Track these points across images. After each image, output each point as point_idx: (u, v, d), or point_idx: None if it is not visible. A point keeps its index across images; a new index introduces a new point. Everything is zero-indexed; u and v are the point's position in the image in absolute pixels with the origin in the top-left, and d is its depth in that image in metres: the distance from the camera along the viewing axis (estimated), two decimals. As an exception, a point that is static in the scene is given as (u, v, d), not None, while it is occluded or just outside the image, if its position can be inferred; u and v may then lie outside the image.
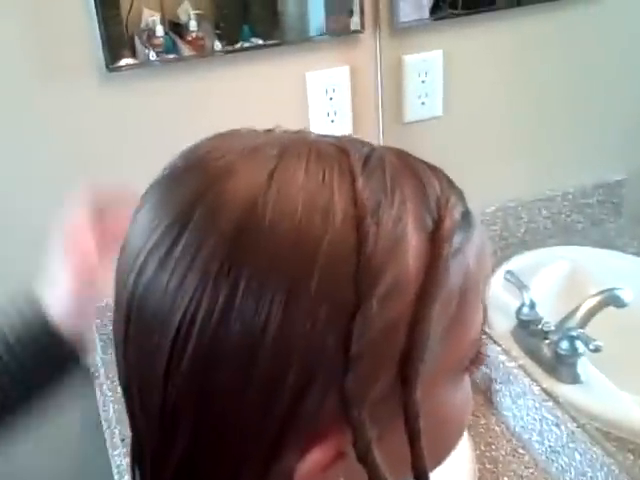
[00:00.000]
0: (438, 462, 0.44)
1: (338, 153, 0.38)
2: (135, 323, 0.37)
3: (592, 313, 1.12)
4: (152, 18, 1.14)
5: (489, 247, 0.40)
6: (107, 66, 1.11)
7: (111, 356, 1.28)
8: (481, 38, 1.27)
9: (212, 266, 0.35)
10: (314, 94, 1.23)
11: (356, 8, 1.19)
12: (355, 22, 1.21)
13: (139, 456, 0.41)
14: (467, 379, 0.43)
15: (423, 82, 1.27)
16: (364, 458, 0.36)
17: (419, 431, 0.37)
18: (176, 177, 0.39)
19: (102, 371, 1.26)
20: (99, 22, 1.09)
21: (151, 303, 0.36)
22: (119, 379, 0.41)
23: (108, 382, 1.23)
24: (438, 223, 0.37)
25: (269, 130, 0.42)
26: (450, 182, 0.40)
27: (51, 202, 1.17)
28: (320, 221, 0.35)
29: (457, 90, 1.30)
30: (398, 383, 0.37)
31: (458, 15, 1.25)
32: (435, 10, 1.24)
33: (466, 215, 0.39)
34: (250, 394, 0.35)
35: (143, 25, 1.13)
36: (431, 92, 1.29)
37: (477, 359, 0.42)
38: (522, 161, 1.37)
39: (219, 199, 0.36)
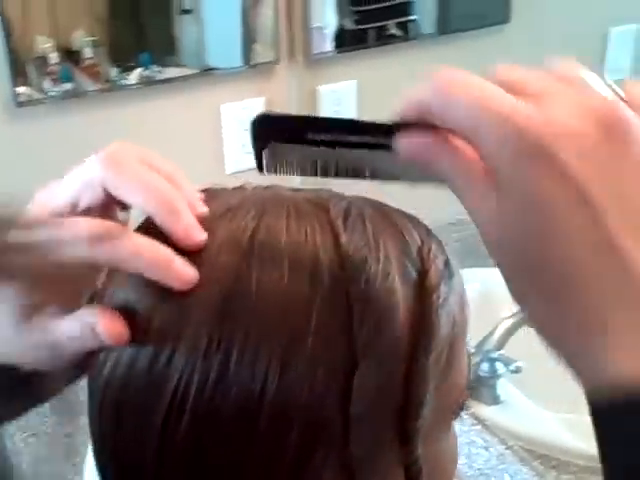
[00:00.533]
0: None
1: (316, 209, 0.38)
2: (118, 413, 0.36)
3: (509, 334, 1.16)
4: (45, 45, 1.09)
5: (465, 292, 0.41)
6: (14, 100, 1.06)
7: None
8: (394, 67, 1.29)
9: (200, 342, 0.33)
10: (229, 126, 1.22)
11: (270, 39, 1.19)
12: (270, 54, 1.21)
13: None
14: (452, 423, 0.43)
15: (336, 112, 1.29)
16: None
17: None
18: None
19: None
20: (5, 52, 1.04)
21: (133, 391, 0.35)
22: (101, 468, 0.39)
23: (19, 433, 1.16)
24: (423, 274, 0.37)
25: (238, 187, 0.41)
26: (428, 230, 0.40)
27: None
28: (308, 283, 0.34)
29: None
30: (397, 440, 0.36)
31: (369, 47, 1.27)
32: (348, 41, 1.26)
33: (447, 264, 0.39)
34: (251, 462, 0.34)
35: (36, 53, 1.08)
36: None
37: (462, 402, 0.42)
38: (424, 196, 1.40)
39: (198, 268, 0.35)
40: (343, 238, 0.36)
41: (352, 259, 0.35)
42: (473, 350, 1.16)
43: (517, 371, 1.08)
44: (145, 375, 0.34)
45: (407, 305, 0.36)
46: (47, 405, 1.19)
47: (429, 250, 0.38)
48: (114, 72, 1.14)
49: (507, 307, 1.21)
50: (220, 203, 0.38)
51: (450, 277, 0.39)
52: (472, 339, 1.18)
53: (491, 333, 1.16)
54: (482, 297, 1.34)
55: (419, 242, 0.39)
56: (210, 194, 0.40)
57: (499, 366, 1.12)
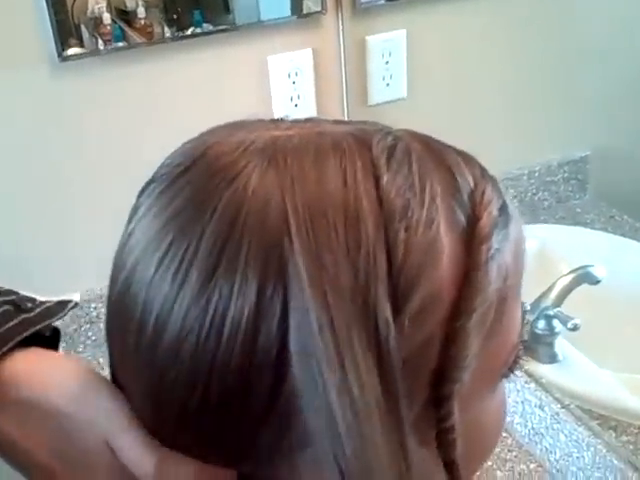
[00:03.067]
0: (477, 469, 0.41)
1: (358, 146, 0.34)
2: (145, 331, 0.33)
3: (566, 291, 1.12)
4: (99, 6, 1.10)
5: (525, 239, 0.36)
6: (59, 55, 1.06)
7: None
8: (444, 17, 1.24)
9: (251, 277, 0.31)
10: (276, 78, 1.19)
11: (317, -11, 1.16)
12: (316, 2, 1.17)
13: None
14: (502, 384, 0.39)
15: (387, 63, 1.25)
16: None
17: (455, 453, 0.34)
18: (176, 178, 0.34)
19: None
20: (49, 11, 1.04)
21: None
22: None
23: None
24: (473, 222, 0.33)
25: (277, 120, 0.37)
26: (483, 170, 0.36)
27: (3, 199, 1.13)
28: (343, 229, 0.31)
29: (421, 71, 1.28)
30: (432, 404, 0.33)
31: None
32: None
33: (503, 208, 0.35)
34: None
35: (89, 13, 1.09)
36: (395, 73, 1.26)
37: (515, 363, 0.38)
38: (488, 140, 1.35)
39: (231, 205, 0.32)
40: (384, 179, 0.32)
41: (392, 203, 0.32)
42: (529, 307, 1.12)
43: (575, 328, 1.04)
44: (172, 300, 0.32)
45: (452, 258, 0.32)
46: (102, 358, 1.20)
47: (482, 193, 0.34)
48: (167, 32, 1.13)
49: (565, 264, 1.17)
50: (255, 136, 0.35)
51: (505, 225, 0.35)
52: (529, 297, 1.14)
53: (548, 290, 1.12)
54: (539, 254, 1.30)
55: (472, 184, 0.34)
56: (244, 126, 0.37)
57: (556, 324, 1.08)
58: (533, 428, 0.99)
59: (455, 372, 0.33)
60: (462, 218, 0.33)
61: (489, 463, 0.98)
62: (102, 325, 1.24)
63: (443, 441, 0.34)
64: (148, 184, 0.36)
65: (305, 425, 0.31)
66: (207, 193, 0.32)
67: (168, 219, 0.33)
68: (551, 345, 1.09)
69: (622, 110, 1.34)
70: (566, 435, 0.93)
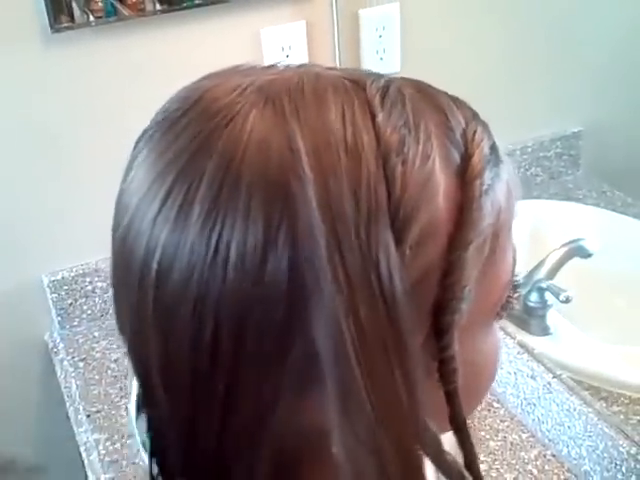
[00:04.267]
0: (472, 409, 0.42)
1: (353, 86, 0.35)
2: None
3: (559, 265, 1.13)
4: (90, -18, 1.08)
5: (517, 181, 0.38)
6: (51, 27, 1.06)
7: (70, 331, 1.24)
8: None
9: (255, 206, 0.31)
10: (270, 51, 1.19)
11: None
12: (310, -26, 1.17)
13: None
14: (496, 324, 0.41)
15: (380, 37, 1.24)
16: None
17: (456, 387, 0.36)
18: (174, 123, 0.35)
19: (61, 346, 1.21)
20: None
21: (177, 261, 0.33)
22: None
23: (69, 358, 1.19)
24: (466, 159, 0.34)
25: (271, 65, 0.38)
26: (474, 114, 0.37)
27: None
28: (353, 167, 0.32)
29: (415, 45, 1.27)
30: (432, 335, 0.35)
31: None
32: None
33: (494, 148, 0.36)
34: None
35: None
36: (388, 47, 1.26)
37: (507, 303, 0.40)
38: (481, 115, 1.35)
39: (230, 143, 0.32)
40: (380, 117, 0.33)
41: (389, 139, 0.33)
42: (522, 281, 1.13)
43: (567, 301, 1.05)
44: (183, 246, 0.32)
45: (448, 191, 0.34)
46: (97, 332, 1.22)
47: (474, 133, 0.35)
48: (158, 6, 1.12)
49: (557, 240, 1.18)
50: (252, 79, 0.35)
51: (496, 164, 0.36)
52: (522, 272, 1.15)
53: (541, 263, 1.13)
54: (532, 230, 1.31)
55: (463, 124, 0.36)
56: (239, 72, 0.37)
57: (548, 296, 1.09)
58: (525, 399, 1.00)
59: (454, 303, 0.34)
60: (456, 155, 0.35)
61: (482, 433, 0.99)
62: (97, 299, 1.24)
63: (444, 371, 0.35)
64: (146, 131, 0.36)
65: (317, 359, 0.32)
66: (206, 134, 0.33)
67: (169, 161, 0.33)
68: (543, 318, 1.10)
69: (615, 86, 1.35)
70: (558, 405, 0.94)
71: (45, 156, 1.14)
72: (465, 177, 0.34)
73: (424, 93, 0.36)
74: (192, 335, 0.33)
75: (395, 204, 0.32)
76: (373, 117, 0.33)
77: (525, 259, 1.22)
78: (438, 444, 0.34)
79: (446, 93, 0.37)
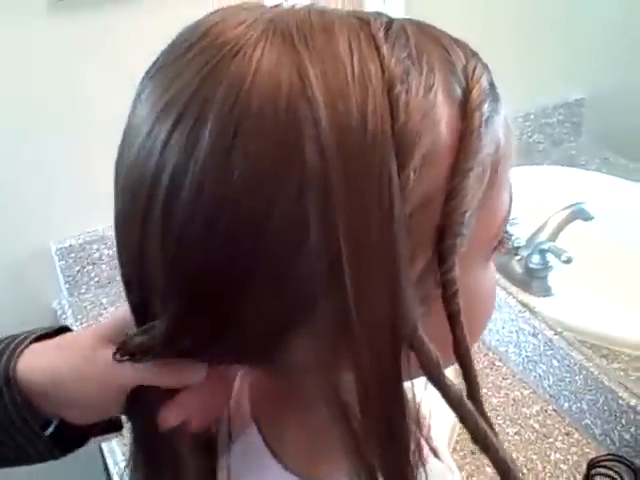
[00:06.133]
0: (475, 339, 0.43)
1: (359, 21, 0.36)
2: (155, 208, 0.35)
3: (560, 227, 1.14)
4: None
5: (511, 121, 0.39)
6: (56, -7, 1.07)
7: (78, 298, 1.26)
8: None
9: (265, 137, 0.33)
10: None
11: None
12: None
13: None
14: (492, 262, 0.43)
15: (384, 3, 1.25)
16: (411, 338, 0.35)
17: (459, 310, 0.37)
18: (182, 54, 0.36)
19: (69, 313, 1.23)
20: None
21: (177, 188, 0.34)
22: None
23: (77, 324, 1.20)
24: (467, 91, 0.36)
25: (276, 5, 0.38)
26: (474, 52, 0.39)
27: (4, 145, 1.14)
28: (360, 92, 0.33)
29: (419, 8, 1.27)
30: (435, 260, 0.36)
31: None
32: None
33: (493, 85, 0.38)
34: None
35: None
36: (392, 10, 1.26)
37: (503, 239, 0.41)
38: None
39: (242, 72, 0.33)
40: (384, 49, 0.35)
41: (393, 69, 0.34)
42: (524, 243, 1.14)
43: (568, 261, 1.06)
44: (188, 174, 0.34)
45: (450, 121, 0.35)
46: (104, 299, 1.21)
47: (474, 69, 0.37)
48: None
49: (560, 206, 1.19)
50: (258, 14, 0.36)
51: (495, 99, 0.38)
52: (524, 236, 1.16)
53: (543, 226, 1.14)
54: (535, 193, 1.32)
55: (464, 60, 0.37)
56: (245, 8, 0.38)
57: (550, 258, 1.10)
58: (527, 356, 1.01)
59: (456, 227, 0.35)
60: (457, 87, 0.36)
61: (484, 390, 1.01)
62: (105, 266, 1.26)
63: (447, 294, 0.37)
64: (154, 63, 0.37)
65: (313, 274, 0.33)
66: (215, 62, 0.34)
67: (180, 88, 0.34)
68: (545, 279, 1.11)
69: (617, 53, 1.35)
70: (559, 360, 0.95)
71: (52, 124, 1.15)
72: (466, 108, 0.36)
73: (426, 30, 0.38)
74: (201, 260, 0.34)
75: (399, 130, 0.33)
76: (378, 48, 0.34)
77: (528, 224, 1.23)
78: (431, 357, 0.35)
79: (447, 33, 0.39)
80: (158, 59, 0.37)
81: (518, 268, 1.14)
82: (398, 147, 0.33)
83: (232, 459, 0.48)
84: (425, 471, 0.39)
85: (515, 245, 1.15)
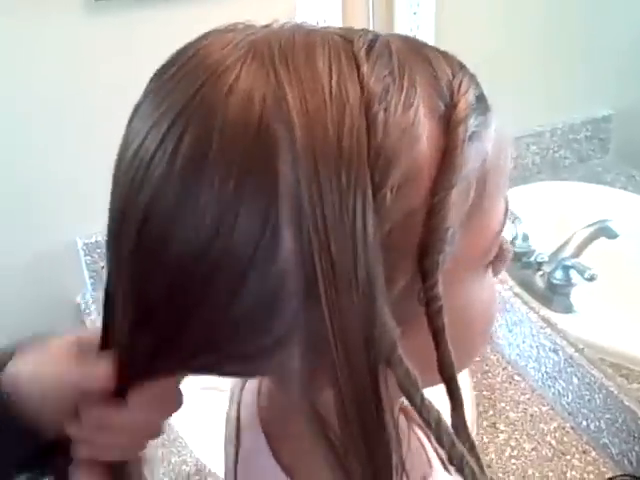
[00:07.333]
0: (463, 366, 0.43)
1: (342, 40, 0.36)
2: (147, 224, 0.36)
3: (585, 244, 1.13)
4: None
5: (508, 133, 0.39)
6: (94, -6, 1.08)
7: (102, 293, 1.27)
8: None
9: (233, 160, 0.33)
10: (304, 18, 1.20)
11: None
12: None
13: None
14: (492, 278, 0.42)
15: (415, 14, 1.25)
16: (389, 357, 0.34)
17: (443, 327, 0.36)
18: (169, 78, 0.37)
19: (93, 308, 1.25)
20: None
21: (166, 203, 0.35)
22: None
23: (100, 319, 1.21)
24: (451, 107, 0.36)
25: (267, 25, 0.39)
26: (462, 66, 0.38)
27: (36, 142, 1.16)
28: (337, 111, 0.33)
29: (448, 22, 1.28)
30: (418, 277, 0.36)
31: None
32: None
33: (481, 98, 0.38)
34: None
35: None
36: (423, 25, 1.26)
37: (501, 255, 0.41)
38: (511, 96, 1.36)
39: (216, 97, 0.34)
40: (364, 68, 0.35)
41: (372, 88, 0.34)
42: (547, 259, 1.14)
43: (592, 279, 1.06)
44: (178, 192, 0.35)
45: (431, 137, 0.35)
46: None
47: (460, 83, 0.37)
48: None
49: (584, 222, 1.18)
50: (246, 36, 0.37)
51: (483, 112, 0.37)
52: (549, 249, 1.16)
53: (567, 242, 1.14)
54: (560, 209, 1.31)
55: (450, 75, 0.37)
56: (236, 29, 0.39)
57: (573, 274, 1.10)
58: (547, 372, 1.01)
59: (438, 244, 0.35)
60: (440, 104, 0.36)
61: (502, 404, 1.01)
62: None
63: (430, 311, 0.36)
64: (148, 83, 0.39)
65: (286, 290, 0.34)
66: (196, 87, 0.35)
67: (163, 112, 0.35)
68: (567, 296, 1.11)
69: (647, 70, 1.35)
70: (579, 378, 0.95)
71: (83, 121, 1.17)
72: (449, 124, 0.36)
73: (411, 46, 0.38)
74: (175, 267, 0.35)
75: (376, 149, 0.33)
76: (358, 67, 0.35)
77: (552, 239, 1.23)
78: (406, 371, 0.35)
79: (435, 47, 0.39)
80: (151, 79, 0.39)
81: (541, 283, 1.14)
82: (374, 166, 0.33)
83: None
84: None
85: (538, 260, 1.15)
